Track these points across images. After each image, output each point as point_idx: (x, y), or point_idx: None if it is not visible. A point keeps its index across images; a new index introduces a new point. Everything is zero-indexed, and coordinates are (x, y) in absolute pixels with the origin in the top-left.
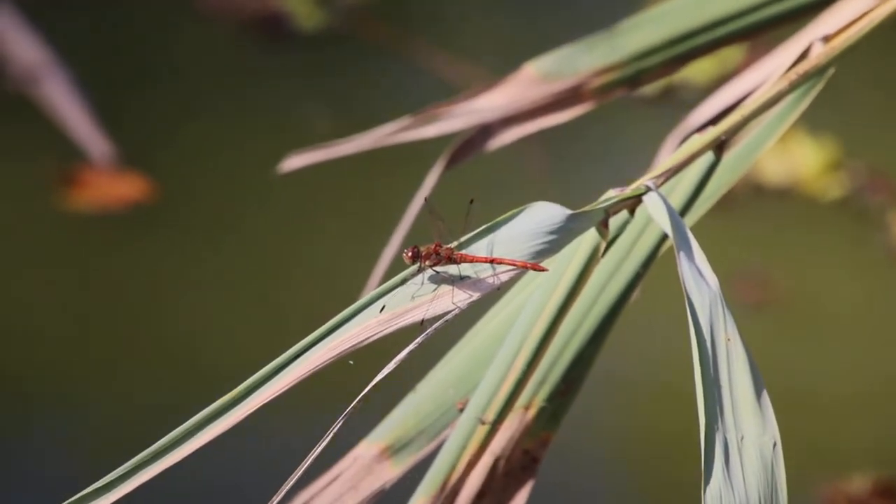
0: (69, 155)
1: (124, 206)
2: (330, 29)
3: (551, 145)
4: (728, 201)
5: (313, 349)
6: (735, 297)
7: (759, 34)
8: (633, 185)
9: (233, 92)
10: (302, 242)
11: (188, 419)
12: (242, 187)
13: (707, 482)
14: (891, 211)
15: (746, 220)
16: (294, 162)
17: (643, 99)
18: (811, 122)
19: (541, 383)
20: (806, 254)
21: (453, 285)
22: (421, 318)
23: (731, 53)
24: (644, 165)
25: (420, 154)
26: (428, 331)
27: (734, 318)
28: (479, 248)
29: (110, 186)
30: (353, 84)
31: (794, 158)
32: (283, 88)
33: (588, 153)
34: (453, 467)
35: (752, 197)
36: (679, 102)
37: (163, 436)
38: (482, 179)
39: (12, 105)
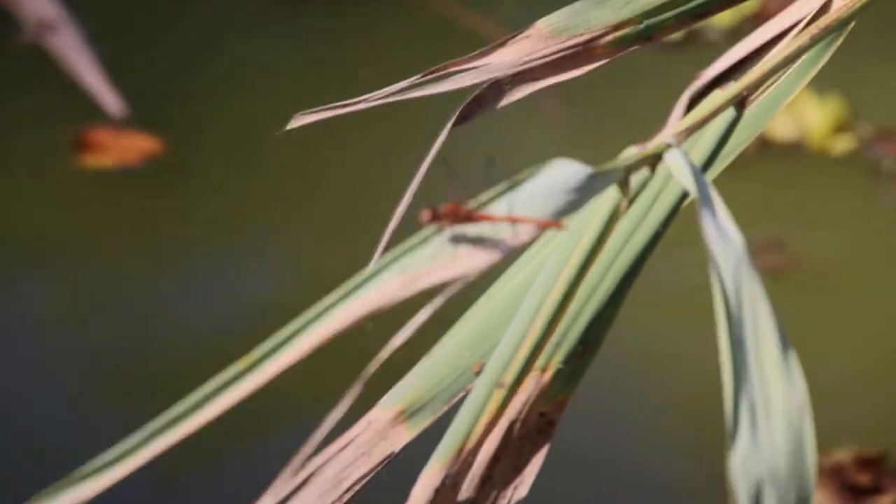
0: (82, 114)
1: (138, 160)
2: None
3: (571, 94)
4: (735, 162)
5: (329, 313)
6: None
7: None
8: (654, 143)
9: (245, 45)
10: (313, 197)
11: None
12: (256, 142)
13: (734, 445)
14: None
15: (755, 180)
16: (301, 119)
17: (667, 42)
18: (816, 81)
19: (558, 345)
20: (817, 213)
21: (473, 245)
22: (440, 280)
23: None
24: (667, 113)
25: (433, 111)
26: (447, 293)
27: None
28: (497, 208)
29: (124, 144)
30: (369, 34)
31: (801, 119)
32: (298, 40)
33: (610, 100)
34: (469, 433)
35: (758, 156)
36: (705, 44)
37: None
38: (502, 134)
39: (24, 63)
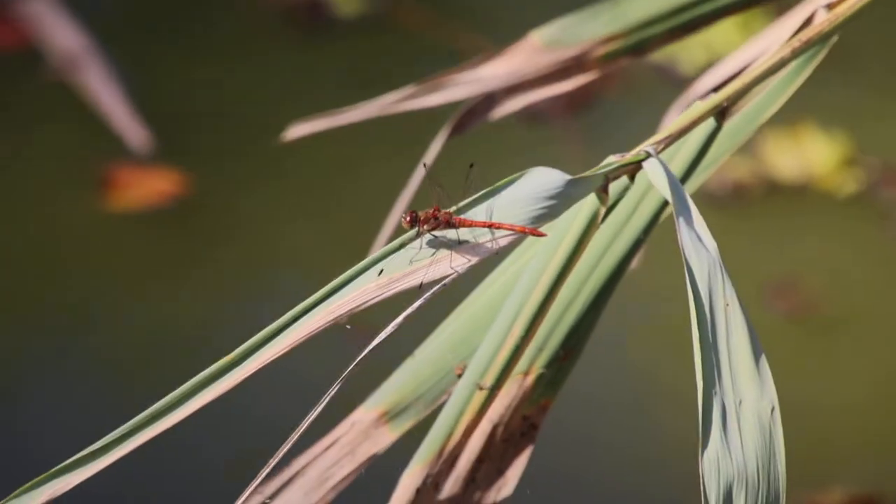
0: (107, 150)
1: (165, 200)
2: (368, 15)
3: (578, 111)
4: (745, 203)
5: (311, 313)
6: (769, 306)
7: (763, 2)
8: (634, 151)
9: (271, 79)
10: (312, 210)
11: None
12: (281, 175)
13: (705, 446)
14: None
15: (765, 220)
16: (298, 130)
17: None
18: (822, 117)
19: (540, 350)
20: (827, 253)
21: (451, 250)
22: (419, 282)
23: (759, 18)
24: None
25: (428, 123)
26: (426, 295)
27: (772, 330)
28: (477, 213)
29: (150, 181)
30: (390, 70)
31: (808, 155)
32: (321, 75)
33: (620, 122)
34: (450, 434)
35: (766, 198)
36: None
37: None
38: (498, 144)
39: (50, 98)
